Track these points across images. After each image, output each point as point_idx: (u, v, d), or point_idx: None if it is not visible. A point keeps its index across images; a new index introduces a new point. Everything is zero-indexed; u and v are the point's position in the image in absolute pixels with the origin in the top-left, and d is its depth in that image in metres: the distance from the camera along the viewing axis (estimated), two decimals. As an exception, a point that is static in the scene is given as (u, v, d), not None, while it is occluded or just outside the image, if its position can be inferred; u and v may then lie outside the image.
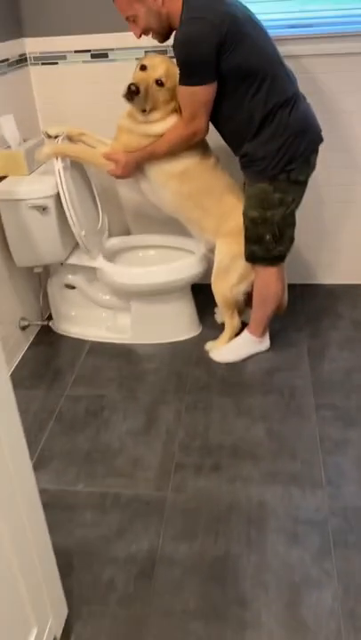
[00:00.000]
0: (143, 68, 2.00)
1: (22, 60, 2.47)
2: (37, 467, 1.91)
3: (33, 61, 2.52)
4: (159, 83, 1.97)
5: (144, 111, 2.03)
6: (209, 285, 2.32)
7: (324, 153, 2.05)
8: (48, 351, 2.53)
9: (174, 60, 1.95)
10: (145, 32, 1.96)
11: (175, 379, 2.29)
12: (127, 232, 2.90)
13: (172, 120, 2.03)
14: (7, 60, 2.33)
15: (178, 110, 2.01)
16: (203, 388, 2.24)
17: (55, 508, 1.75)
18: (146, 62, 2.01)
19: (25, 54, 2.49)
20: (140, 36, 1.98)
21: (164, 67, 1.98)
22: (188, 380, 2.28)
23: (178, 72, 1.91)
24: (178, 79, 1.92)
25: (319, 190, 2.59)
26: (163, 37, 1.99)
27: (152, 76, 1.98)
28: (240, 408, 2.12)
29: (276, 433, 1.99)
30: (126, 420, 2.08)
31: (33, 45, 2.48)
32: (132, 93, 1.96)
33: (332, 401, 2.13)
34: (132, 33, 1.98)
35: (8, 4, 2.35)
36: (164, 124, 2.04)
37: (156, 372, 2.34)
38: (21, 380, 2.34)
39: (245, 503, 1.73)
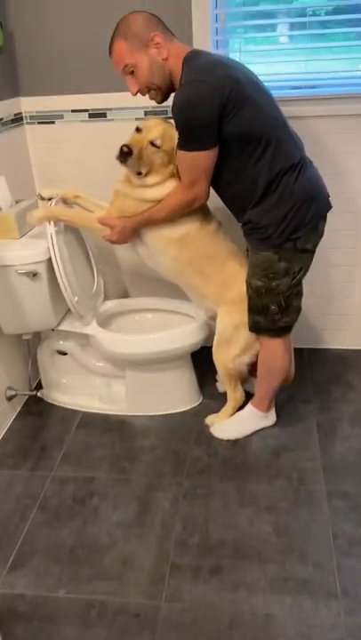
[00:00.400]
0: (138, 130, 1.90)
1: (18, 119, 2.39)
2: (16, 565, 1.70)
3: (29, 120, 2.43)
4: (154, 144, 1.87)
5: (140, 174, 1.92)
6: (210, 349, 2.16)
7: (330, 215, 1.92)
8: (36, 423, 2.34)
9: (172, 121, 1.85)
10: (143, 88, 1.83)
11: (172, 459, 2.10)
12: (124, 293, 2.77)
13: (170, 185, 1.91)
14: (1, 119, 2.24)
15: (176, 174, 1.89)
16: (203, 470, 2.04)
17: (32, 619, 1.54)
18: (141, 124, 1.90)
19: (21, 113, 2.41)
20: (137, 92, 1.84)
21: (160, 128, 1.88)
22: (186, 461, 2.08)
23: (176, 135, 1.80)
24: (176, 143, 1.82)
25: (326, 253, 2.46)
26: (163, 96, 1.86)
27: (147, 137, 1.87)
28: (244, 496, 1.91)
29: (284, 527, 1.78)
30: (117, 510, 1.88)
31: (29, 104, 2.40)
32: (125, 155, 1.85)
33: (345, 488, 1.93)
34: (129, 94, 1.87)
35: (4, 64, 2.28)
36: (161, 189, 1.92)
37: (151, 451, 2.14)
38: (5, 457, 2.15)
39: (250, 617, 1.51)
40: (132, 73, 1.79)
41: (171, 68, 1.77)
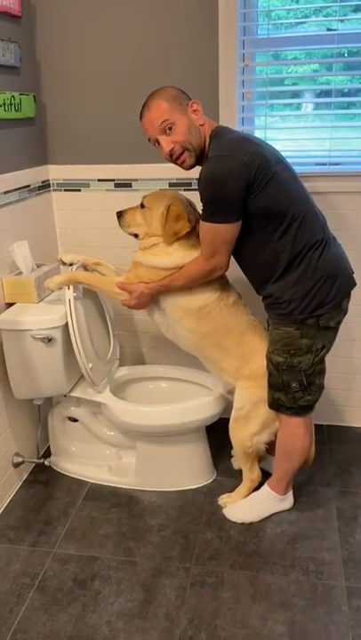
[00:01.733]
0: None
1: (45, 186, 2.44)
2: (6, 655, 1.57)
3: (56, 187, 2.49)
4: (142, 205, 1.95)
5: (136, 236, 2.00)
6: (227, 420, 2.07)
7: (354, 289, 1.87)
8: (41, 493, 2.24)
9: (178, 197, 1.91)
10: (178, 147, 1.76)
11: (182, 541, 1.97)
12: (141, 359, 2.72)
13: (180, 254, 1.91)
14: (28, 185, 2.29)
15: (178, 236, 1.92)
16: (213, 556, 1.90)
17: None
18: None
19: (48, 180, 2.47)
20: (170, 151, 1.76)
21: (155, 196, 1.96)
22: (196, 544, 1.95)
23: (179, 208, 1.88)
24: (176, 213, 1.88)
25: (349, 327, 2.40)
26: (195, 160, 1.82)
27: (142, 202, 1.97)
28: (256, 588, 1.77)
29: (300, 629, 1.63)
30: (119, 596, 1.75)
31: (57, 172, 2.47)
32: (118, 217, 2.01)
33: (367, 585, 1.77)
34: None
35: (36, 134, 2.35)
36: (174, 259, 1.91)
37: (159, 530, 2.02)
38: (6, 529, 2.04)
39: None
40: (170, 130, 1.75)
41: (204, 136, 1.79)
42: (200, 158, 1.82)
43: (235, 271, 1.96)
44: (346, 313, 1.85)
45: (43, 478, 2.33)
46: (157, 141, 1.78)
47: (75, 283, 2.04)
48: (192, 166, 1.84)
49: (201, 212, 1.81)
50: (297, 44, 2.26)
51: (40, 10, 2.26)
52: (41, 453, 2.42)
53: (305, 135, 2.43)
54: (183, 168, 1.85)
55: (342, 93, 2.33)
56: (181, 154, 1.79)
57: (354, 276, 1.86)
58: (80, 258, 2.13)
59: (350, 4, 2.16)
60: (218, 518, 2.07)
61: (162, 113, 1.73)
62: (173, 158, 1.81)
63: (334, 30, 2.16)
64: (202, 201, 1.77)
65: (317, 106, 2.41)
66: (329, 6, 2.19)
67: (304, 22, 2.25)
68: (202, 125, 1.78)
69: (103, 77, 2.30)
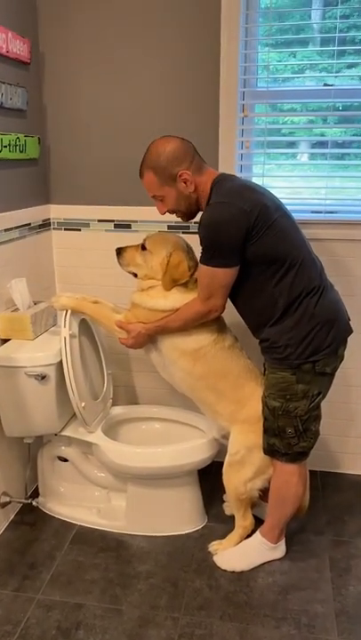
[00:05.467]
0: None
1: (46, 225, 2.48)
2: None
3: (56, 226, 2.53)
4: (143, 247, 1.98)
5: (135, 276, 2.03)
6: (220, 464, 2.04)
7: (351, 337, 1.88)
8: (28, 535, 2.18)
9: (179, 244, 1.96)
10: (170, 211, 1.92)
11: (170, 589, 1.91)
12: (134, 399, 2.70)
13: (177, 297, 1.94)
14: (29, 224, 2.32)
15: (177, 283, 1.95)
16: (202, 606, 1.84)
17: None
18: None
19: (49, 219, 2.50)
20: (164, 213, 1.94)
21: (156, 238, 2.00)
22: (185, 593, 1.89)
23: (180, 256, 1.93)
24: (177, 261, 1.92)
25: (345, 373, 2.38)
26: (188, 218, 1.94)
27: (143, 243, 2.00)
28: (246, 642, 1.71)
29: None
30: (104, 648, 1.69)
31: (58, 212, 2.51)
32: (117, 254, 2.03)
33: (361, 640, 1.72)
34: (154, 208, 1.94)
35: (39, 174, 2.40)
36: (172, 301, 1.94)
37: (148, 577, 1.97)
38: (-10, 572, 1.98)
39: None
40: (161, 201, 1.88)
41: (198, 195, 1.85)
42: (196, 212, 1.91)
43: (232, 315, 1.97)
44: (342, 359, 1.86)
45: (30, 519, 2.27)
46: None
47: (79, 311, 2.06)
48: (187, 221, 1.96)
49: (200, 256, 1.84)
50: (295, 97, 2.34)
51: (48, 57, 2.35)
52: (29, 493, 2.37)
53: (301, 183, 2.49)
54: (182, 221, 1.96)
55: (337, 144, 2.41)
56: (174, 213, 1.91)
57: (350, 323, 1.88)
58: (79, 296, 2.14)
59: (345, 62, 2.26)
60: (208, 565, 2.02)
61: (151, 187, 1.85)
62: (170, 214, 1.93)
63: (331, 85, 2.25)
64: (201, 245, 1.80)
65: (313, 155, 2.48)
66: (325, 62, 2.28)
67: (300, 77, 2.35)
68: (193, 192, 1.84)
69: (106, 122, 2.37)
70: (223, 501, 2.31)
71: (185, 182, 1.80)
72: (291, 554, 2.06)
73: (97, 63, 2.32)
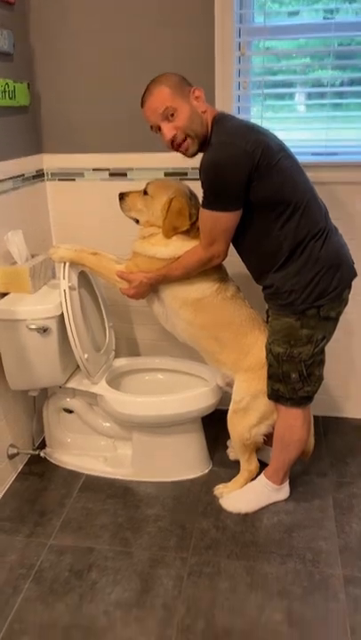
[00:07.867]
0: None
1: (39, 176, 2.42)
2: (3, 645, 1.56)
3: (50, 177, 2.46)
4: (145, 192, 1.94)
5: (137, 222, 2.00)
6: (222, 411, 2.06)
7: (355, 280, 1.87)
8: (37, 485, 2.23)
9: (181, 190, 1.89)
10: (180, 134, 1.72)
11: (178, 531, 1.97)
12: (136, 351, 2.70)
13: (179, 244, 1.90)
14: (22, 175, 2.26)
15: (177, 231, 1.91)
16: (209, 546, 1.90)
17: None
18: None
19: (42, 170, 2.44)
20: (172, 138, 1.73)
21: (158, 183, 1.95)
22: (193, 535, 1.95)
23: (181, 202, 1.86)
24: (178, 208, 1.86)
25: (348, 318, 2.38)
26: (197, 147, 1.77)
27: (145, 189, 1.95)
28: (253, 577, 1.77)
29: (297, 617, 1.63)
30: (116, 586, 1.74)
31: (51, 161, 2.44)
32: (119, 199, 1.99)
33: (364, 574, 1.78)
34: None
35: (30, 122, 2.32)
36: (173, 249, 1.90)
37: (156, 521, 2.02)
38: (1, 521, 2.03)
39: None
40: (172, 116, 1.72)
41: (205, 124, 1.75)
42: (202, 146, 1.78)
43: (234, 264, 1.94)
44: (346, 304, 1.85)
45: (38, 470, 2.31)
46: (159, 128, 1.75)
47: (78, 263, 2.03)
48: (194, 154, 1.80)
49: (201, 200, 1.79)
50: (294, 32, 2.24)
51: (34, -4, 2.23)
52: (36, 445, 2.40)
53: (300, 126, 2.41)
54: (186, 156, 1.81)
55: (336, 85, 2.32)
56: (183, 140, 1.75)
57: (354, 266, 1.86)
58: (77, 248, 2.10)
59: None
60: (214, 508, 2.07)
61: (164, 99, 1.70)
62: (175, 145, 1.77)
63: (331, 19, 2.15)
64: (202, 188, 1.74)
65: (311, 96, 2.39)
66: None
67: (298, 12, 2.24)
68: (204, 112, 1.75)
69: (98, 65, 2.27)
70: (227, 447, 2.35)
71: (197, 100, 1.73)
72: (295, 495, 2.11)
73: (88, 1, 2.21)
